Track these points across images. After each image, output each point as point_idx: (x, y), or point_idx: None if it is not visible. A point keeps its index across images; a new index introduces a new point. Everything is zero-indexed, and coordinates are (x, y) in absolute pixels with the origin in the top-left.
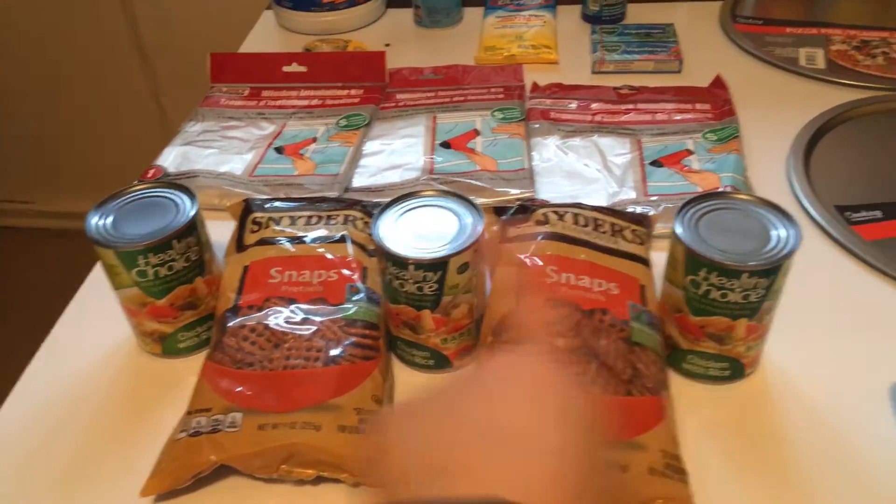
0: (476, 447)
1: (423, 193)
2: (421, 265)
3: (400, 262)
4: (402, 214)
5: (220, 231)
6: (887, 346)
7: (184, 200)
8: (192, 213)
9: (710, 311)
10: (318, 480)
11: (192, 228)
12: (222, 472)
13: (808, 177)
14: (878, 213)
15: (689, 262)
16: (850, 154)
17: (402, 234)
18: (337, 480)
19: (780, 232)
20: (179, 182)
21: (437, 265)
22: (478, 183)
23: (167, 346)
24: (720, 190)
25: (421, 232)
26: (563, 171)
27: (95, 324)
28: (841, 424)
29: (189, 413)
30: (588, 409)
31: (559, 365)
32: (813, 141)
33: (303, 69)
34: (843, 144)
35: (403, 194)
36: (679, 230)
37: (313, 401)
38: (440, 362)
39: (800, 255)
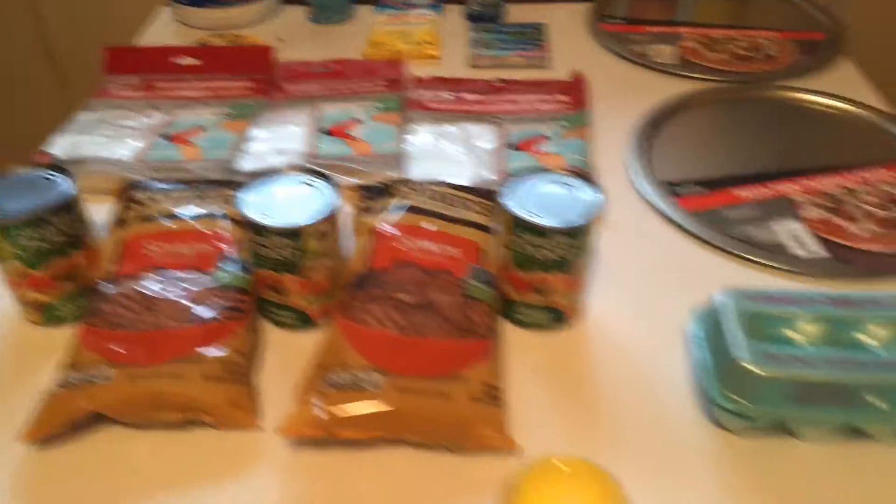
0: None
1: (287, 171)
2: (280, 233)
3: (261, 231)
4: (265, 189)
5: (105, 213)
6: (693, 299)
7: (63, 181)
8: (69, 190)
9: (530, 266)
10: (186, 425)
11: (70, 205)
12: (97, 422)
13: (644, 158)
14: (700, 188)
15: (510, 224)
16: (684, 138)
17: (265, 205)
18: (203, 424)
19: (586, 199)
20: (62, 166)
21: (295, 233)
22: (353, 165)
23: (47, 315)
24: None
25: (282, 204)
26: (433, 156)
27: None
28: (645, 363)
29: (64, 368)
30: None
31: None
32: (653, 126)
33: (195, 62)
34: (680, 129)
35: (269, 172)
36: (503, 199)
37: (180, 354)
38: (305, 322)
39: (628, 223)
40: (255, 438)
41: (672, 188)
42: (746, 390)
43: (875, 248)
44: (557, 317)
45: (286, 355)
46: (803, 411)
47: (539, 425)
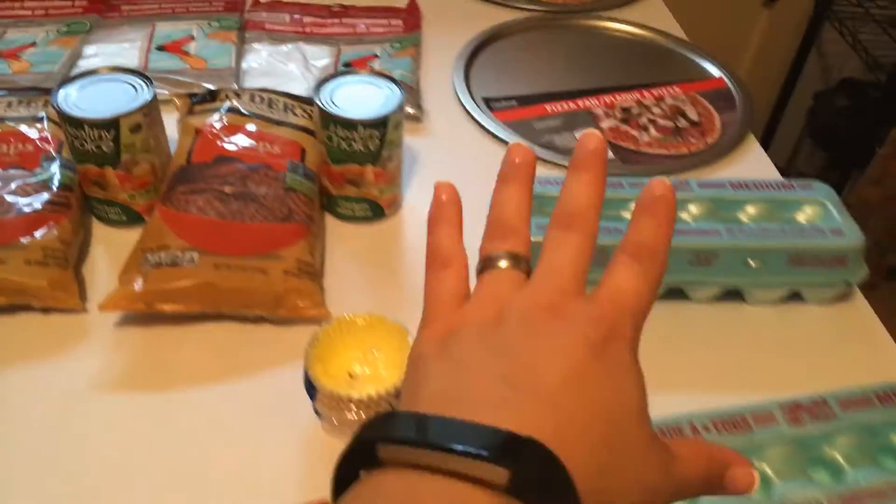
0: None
1: (101, 71)
2: (94, 124)
3: (76, 123)
4: (83, 87)
5: None
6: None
7: None
8: None
9: (343, 159)
10: (12, 308)
11: None
12: None
13: (467, 77)
14: (514, 103)
15: (322, 120)
16: (504, 60)
17: (82, 101)
18: (27, 307)
19: (389, 96)
20: None
21: (109, 124)
22: (186, 79)
23: None
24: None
25: (99, 99)
26: (269, 73)
27: None
28: None
29: None
30: None
31: None
32: (477, 49)
33: None
34: (501, 53)
35: (87, 72)
36: (316, 97)
37: (3, 242)
38: (132, 217)
39: (449, 132)
40: (82, 319)
41: (489, 103)
42: None
43: (655, 151)
44: (375, 209)
45: (115, 250)
46: None
47: (353, 299)
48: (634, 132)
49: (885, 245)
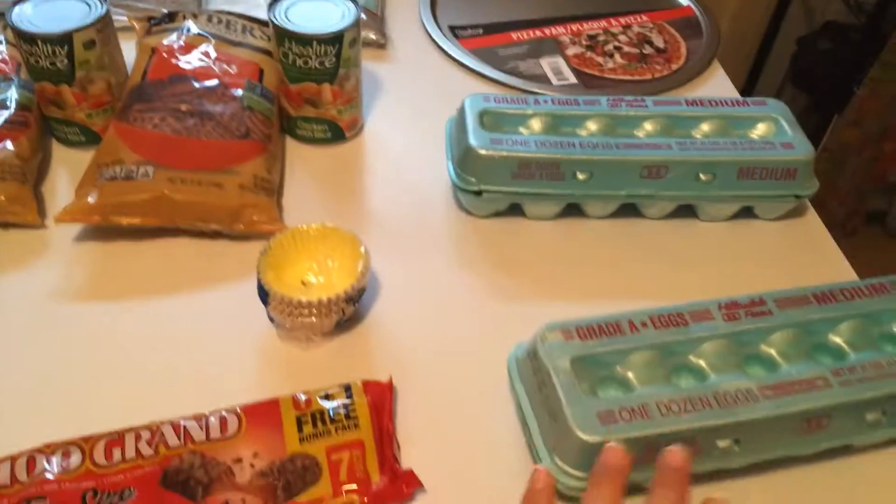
0: None
1: None
2: (48, 40)
3: (30, 39)
4: (37, 5)
5: None
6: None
7: None
8: None
9: (300, 77)
10: None
11: None
12: None
13: (432, 5)
14: (480, 31)
15: (277, 37)
16: None
17: (36, 18)
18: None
19: (345, 13)
20: None
21: (62, 39)
22: (148, 6)
23: None
24: None
25: (53, 17)
26: (233, 0)
27: None
28: (411, 168)
29: None
30: None
31: None
32: None
33: None
34: None
35: None
36: (270, 13)
37: None
38: (90, 138)
39: (414, 59)
40: (41, 235)
41: (455, 31)
42: (477, 170)
43: (618, 76)
44: (334, 131)
45: (74, 171)
46: (523, 186)
47: (310, 217)
48: (599, 59)
49: (864, 189)
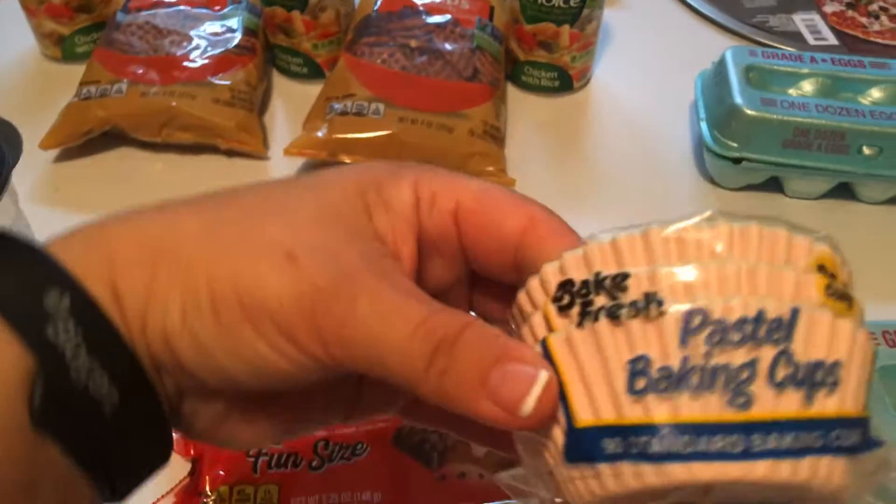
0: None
1: None
2: None
3: None
4: None
5: None
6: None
7: None
8: None
9: (539, 17)
10: (197, 149)
11: None
12: (113, 142)
13: None
14: None
15: None
16: None
17: None
18: (214, 148)
19: None
20: None
21: None
22: None
23: (66, 50)
24: None
25: None
26: None
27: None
28: (647, 127)
29: (80, 84)
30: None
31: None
32: None
33: None
34: None
35: None
36: None
37: (191, 79)
38: (313, 70)
39: (649, 8)
40: (262, 165)
41: None
42: (740, 134)
43: (884, 40)
44: (563, 80)
45: (295, 103)
46: (794, 157)
47: (534, 173)
48: (863, 19)
49: None
